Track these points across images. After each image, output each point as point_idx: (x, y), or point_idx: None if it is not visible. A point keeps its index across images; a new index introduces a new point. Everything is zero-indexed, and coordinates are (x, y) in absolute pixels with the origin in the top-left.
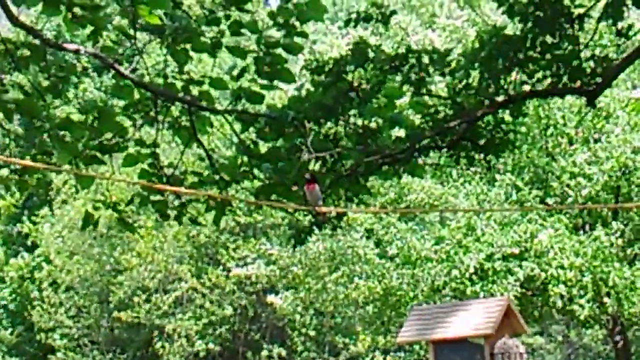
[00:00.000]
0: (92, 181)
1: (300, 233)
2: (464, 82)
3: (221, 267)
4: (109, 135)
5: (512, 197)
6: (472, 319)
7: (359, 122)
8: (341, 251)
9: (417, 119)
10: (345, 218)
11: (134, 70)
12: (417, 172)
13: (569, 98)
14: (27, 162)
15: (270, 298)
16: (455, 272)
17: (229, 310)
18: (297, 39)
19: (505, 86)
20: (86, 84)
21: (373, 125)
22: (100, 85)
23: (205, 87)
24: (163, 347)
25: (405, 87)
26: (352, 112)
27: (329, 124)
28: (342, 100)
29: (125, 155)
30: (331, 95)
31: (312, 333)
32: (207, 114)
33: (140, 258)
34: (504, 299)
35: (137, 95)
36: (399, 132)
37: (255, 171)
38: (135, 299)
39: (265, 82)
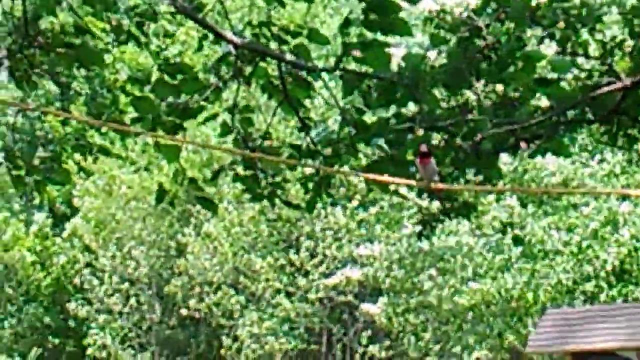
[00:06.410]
0: (179, 152)
1: (426, 223)
2: (618, 39)
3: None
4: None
5: None
6: (621, 328)
7: (497, 88)
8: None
9: (565, 85)
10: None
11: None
12: (562, 149)
13: None
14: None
15: (365, 307)
16: (588, 269)
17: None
18: None
19: None
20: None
21: (514, 94)
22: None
23: (302, 39)
24: (230, 348)
25: (546, 44)
26: (486, 77)
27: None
28: (475, 62)
29: (221, 124)
30: (466, 56)
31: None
32: (303, 73)
33: (209, 240)
34: None
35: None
36: (540, 103)
37: (361, 146)
38: (197, 291)
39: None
